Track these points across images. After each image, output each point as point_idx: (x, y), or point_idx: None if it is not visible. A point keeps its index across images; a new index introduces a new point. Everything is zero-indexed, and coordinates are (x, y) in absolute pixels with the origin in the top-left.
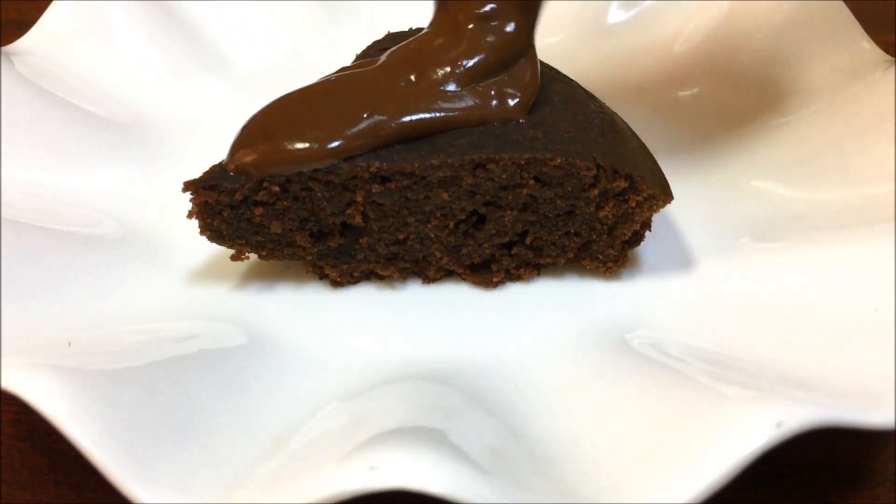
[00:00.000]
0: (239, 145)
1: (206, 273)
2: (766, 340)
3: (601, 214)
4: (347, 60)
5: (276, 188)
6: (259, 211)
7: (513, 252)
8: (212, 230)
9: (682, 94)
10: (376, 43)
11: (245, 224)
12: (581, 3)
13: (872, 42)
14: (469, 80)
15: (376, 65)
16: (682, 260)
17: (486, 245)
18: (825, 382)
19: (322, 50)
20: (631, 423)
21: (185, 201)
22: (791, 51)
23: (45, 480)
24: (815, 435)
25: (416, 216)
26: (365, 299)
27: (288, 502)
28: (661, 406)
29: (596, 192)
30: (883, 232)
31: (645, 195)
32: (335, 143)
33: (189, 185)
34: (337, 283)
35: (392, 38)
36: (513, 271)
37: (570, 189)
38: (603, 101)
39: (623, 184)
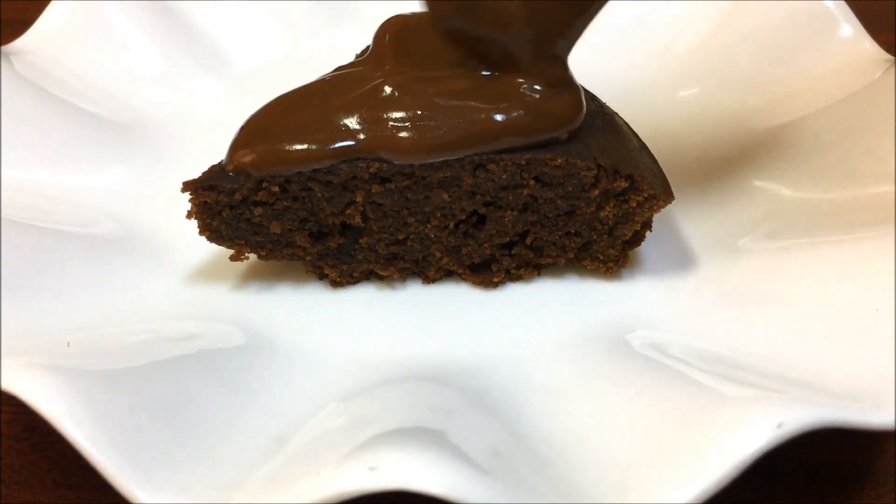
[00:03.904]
0: (238, 145)
1: (206, 273)
2: (767, 341)
3: (602, 214)
4: (347, 60)
5: (276, 188)
6: (258, 211)
7: (513, 252)
8: (211, 230)
9: (682, 94)
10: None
11: (244, 224)
12: None
13: (873, 41)
14: None
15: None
16: (683, 260)
17: (486, 245)
18: (826, 383)
19: (322, 50)
20: (631, 423)
21: (185, 201)
22: (792, 51)
23: (44, 480)
24: (816, 435)
25: (415, 216)
26: (365, 299)
27: (288, 503)
28: (662, 406)
29: (596, 192)
30: (883, 232)
31: (646, 195)
32: (335, 144)
33: (188, 186)
34: (337, 284)
35: None
36: (513, 271)
37: (570, 189)
38: (603, 101)
39: (624, 184)
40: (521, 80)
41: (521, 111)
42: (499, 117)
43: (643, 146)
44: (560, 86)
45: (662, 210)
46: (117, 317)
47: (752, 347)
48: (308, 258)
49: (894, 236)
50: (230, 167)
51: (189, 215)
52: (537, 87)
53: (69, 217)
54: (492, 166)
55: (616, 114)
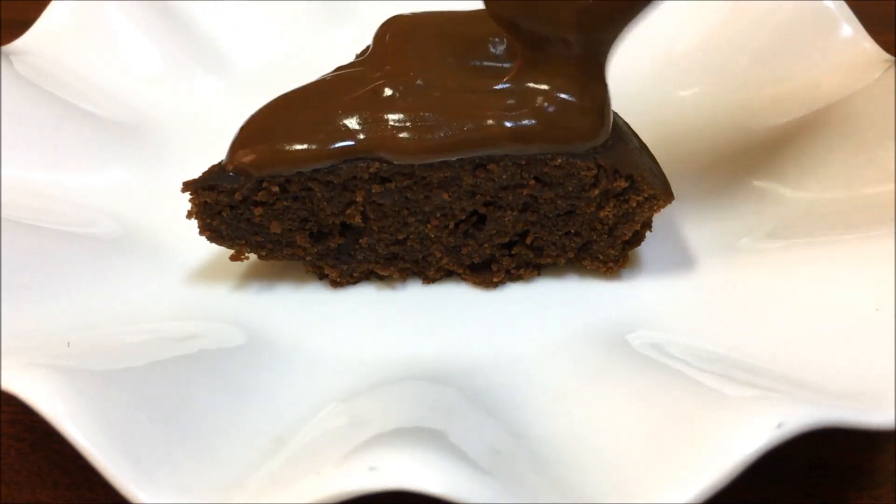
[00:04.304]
0: (238, 145)
1: (206, 273)
2: (767, 341)
3: (602, 214)
4: (347, 60)
5: (276, 188)
6: (258, 211)
7: (513, 252)
8: (211, 230)
9: (682, 94)
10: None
11: (245, 224)
12: None
13: (873, 41)
14: None
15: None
16: (683, 260)
17: (486, 245)
18: (826, 383)
19: (322, 50)
20: (631, 423)
21: (185, 201)
22: (792, 51)
23: (44, 481)
24: (816, 435)
25: (416, 216)
26: (365, 299)
27: (288, 503)
28: (662, 406)
29: (597, 192)
30: (883, 232)
31: (646, 195)
32: (335, 144)
33: (188, 186)
34: (337, 284)
35: None
36: (513, 271)
37: (570, 189)
38: None
39: (624, 184)
40: (545, 88)
41: (535, 121)
42: (509, 124)
43: (643, 146)
44: (589, 103)
45: (662, 210)
46: (117, 317)
47: (752, 347)
48: (308, 258)
49: (894, 236)
50: (230, 167)
51: (189, 215)
52: (564, 98)
53: (69, 217)
54: (492, 166)
55: (616, 114)
